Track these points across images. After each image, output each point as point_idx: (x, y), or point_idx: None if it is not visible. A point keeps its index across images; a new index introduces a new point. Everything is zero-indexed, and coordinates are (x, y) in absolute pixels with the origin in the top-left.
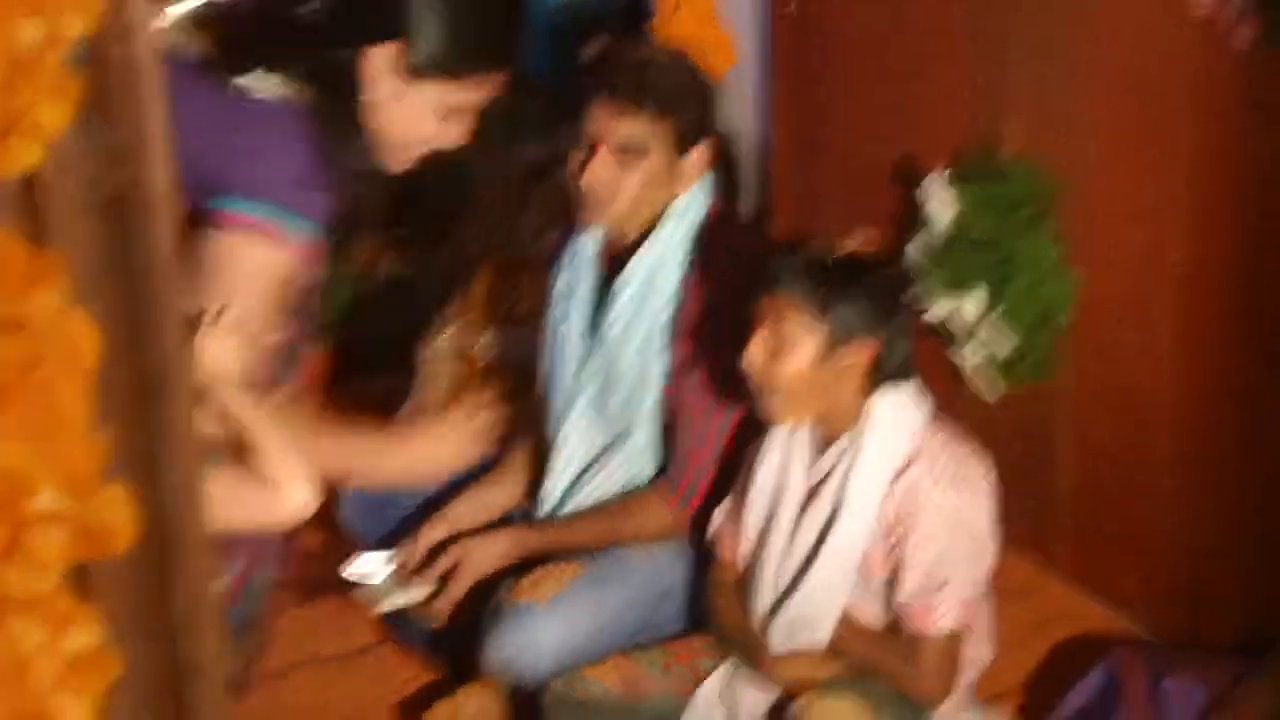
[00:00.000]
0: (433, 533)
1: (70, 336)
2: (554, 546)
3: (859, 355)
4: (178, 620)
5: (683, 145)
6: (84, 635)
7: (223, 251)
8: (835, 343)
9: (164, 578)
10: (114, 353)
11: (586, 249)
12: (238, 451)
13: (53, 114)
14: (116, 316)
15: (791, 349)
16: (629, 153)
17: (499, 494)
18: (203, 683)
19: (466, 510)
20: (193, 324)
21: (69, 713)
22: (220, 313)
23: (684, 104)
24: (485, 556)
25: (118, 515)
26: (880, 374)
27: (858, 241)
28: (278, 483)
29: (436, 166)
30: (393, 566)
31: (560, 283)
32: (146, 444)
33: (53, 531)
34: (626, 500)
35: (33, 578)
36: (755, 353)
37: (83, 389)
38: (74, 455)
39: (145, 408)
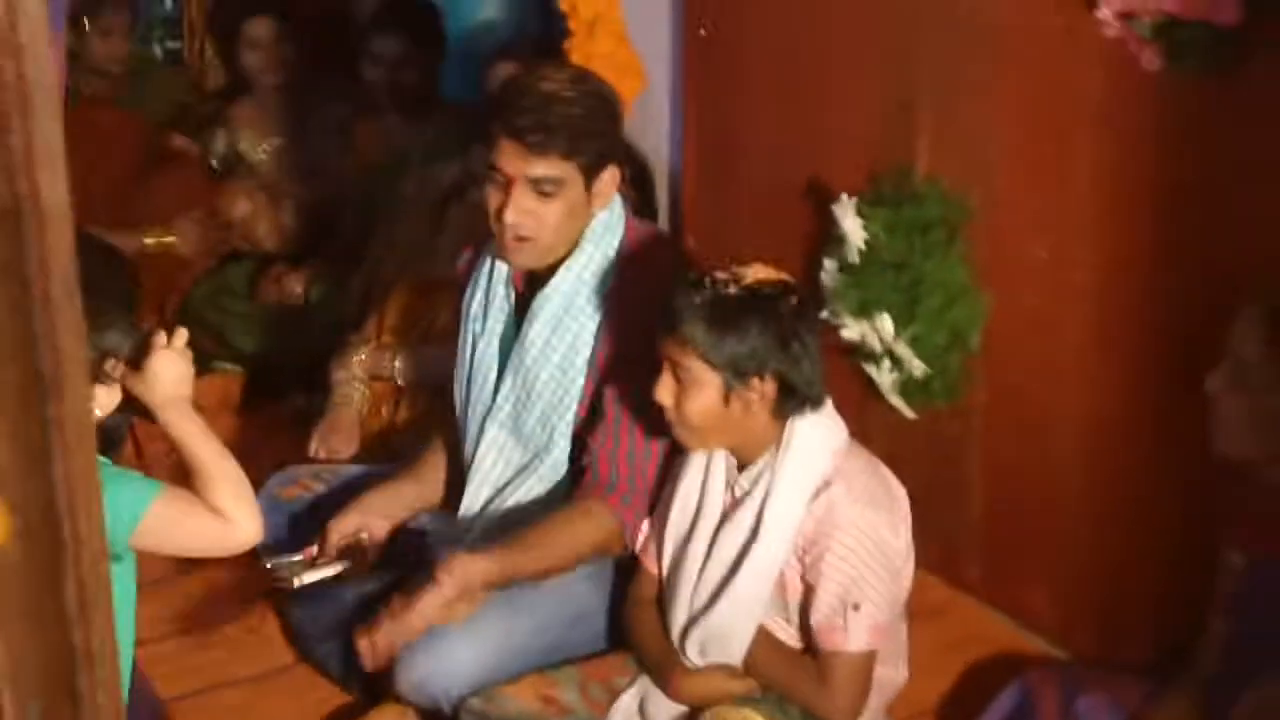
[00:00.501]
0: (344, 523)
1: None
2: (527, 572)
3: (761, 389)
4: (69, 610)
5: (593, 174)
6: None
7: None
8: (734, 382)
9: (54, 567)
10: (5, 354)
11: (501, 268)
12: (185, 474)
13: None
14: (8, 321)
15: (694, 390)
16: (545, 190)
17: (411, 489)
18: (95, 671)
19: (379, 501)
20: (146, 346)
21: None
22: (175, 336)
23: (590, 136)
24: (469, 573)
25: None
26: (791, 400)
27: (756, 271)
28: (227, 512)
29: (350, 189)
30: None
31: (474, 301)
32: (39, 440)
33: None
34: (570, 510)
35: None
36: (661, 393)
37: None
38: None
39: (37, 406)
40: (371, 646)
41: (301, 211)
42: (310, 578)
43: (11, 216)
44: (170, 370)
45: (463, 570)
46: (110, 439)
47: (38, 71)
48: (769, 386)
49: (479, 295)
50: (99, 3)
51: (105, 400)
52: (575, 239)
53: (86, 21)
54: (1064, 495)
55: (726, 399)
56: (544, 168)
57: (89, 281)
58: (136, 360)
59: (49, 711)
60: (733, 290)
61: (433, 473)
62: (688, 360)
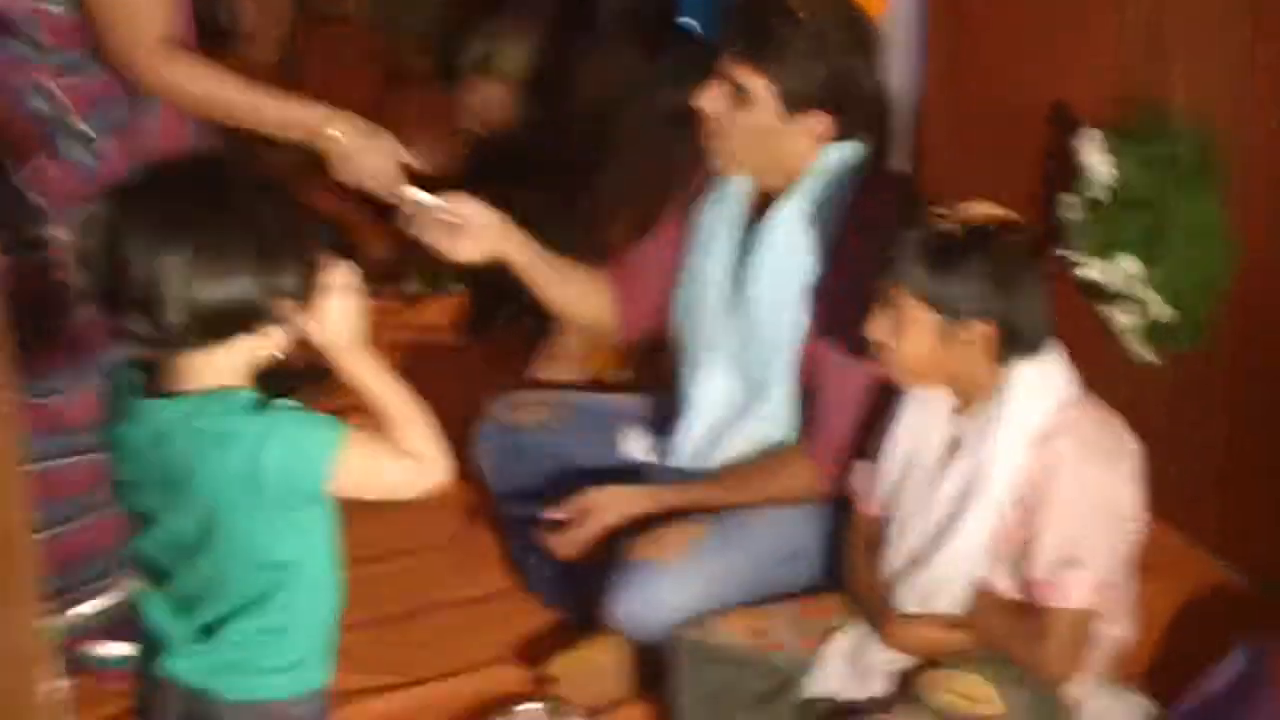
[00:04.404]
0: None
1: None
2: (694, 507)
3: (977, 333)
4: None
5: (792, 106)
6: None
7: None
8: (949, 324)
9: None
10: None
11: (733, 192)
12: (369, 418)
13: None
14: None
15: (909, 330)
16: (736, 98)
17: (548, 261)
18: None
19: (511, 226)
20: (311, 286)
21: None
22: (341, 275)
23: (798, 67)
24: (620, 505)
25: None
26: (1012, 345)
27: (980, 209)
28: (418, 452)
29: (577, 115)
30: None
31: (706, 225)
32: None
33: None
34: (768, 460)
35: None
36: (875, 331)
37: None
38: None
39: None
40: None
41: (544, 122)
42: (420, 195)
43: None
44: (342, 311)
45: (603, 507)
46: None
47: None
48: (988, 330)
49: (713, 214)
50: None
51: (281, 341)
52: (783, 166)
53: None
54: None
55: (937, 342)
56: (740, 74)
57: (258, 222)
58: (308, 297)
59: None
60: (954, 228)
61: (578, 284)
62: (904, 299)
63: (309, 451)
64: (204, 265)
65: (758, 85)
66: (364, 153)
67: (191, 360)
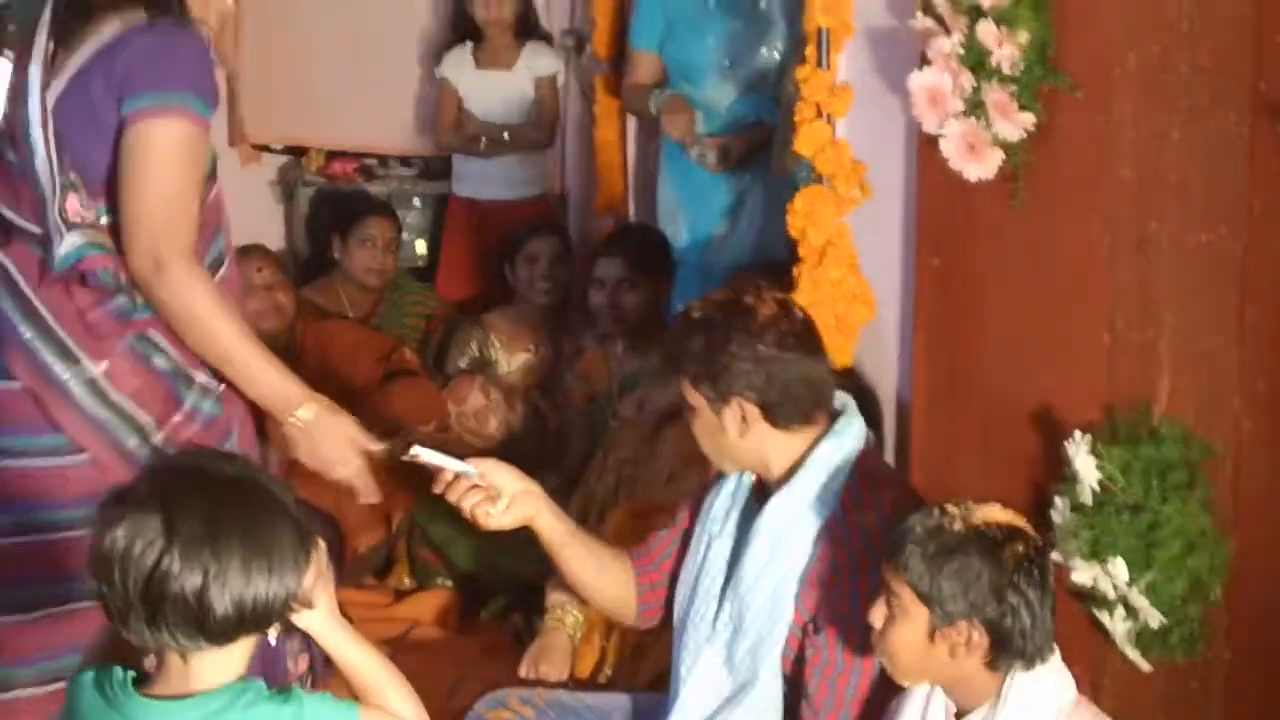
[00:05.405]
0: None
1: None
2: None
3: (967, 636)
4: None
5: (716, 405)
6: None
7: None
8: (940, 623)
9: None
10: None
11: (740, 482)
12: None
13: None
14: None
15: (900, 620)
16: (688, 404)
17: (574, 533)
18: None
19: (537, 490)
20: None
21: None
22: (318, 551)
23: (708, 367)
24: None
25: None
26: (1005, 653)
27: (988, 512)
28: (407, 716)
29: (568, 415)
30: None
31: (716, 502)
32: None
33: None
34: None
35: None
36: (873, 616)
37: None
38: None
39: None
40: None
41: (533, 425)
42: (430, 455)
43: None
44: (324, 593)
45: None
46: None
47: None
48: (977, 634)
49: (723, 496)
50: (360, 212)
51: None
52: (750, 461)
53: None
54: None
55: (932, 636)
56: (680, 383)
57: (291, 514)
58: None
59: None
60: (957, 526)
61: (605, 564)
62: (899, 587)
63: None
64: (256, 563)
65: (691, 394)
66: (325, 437)
67: (201, 656)
